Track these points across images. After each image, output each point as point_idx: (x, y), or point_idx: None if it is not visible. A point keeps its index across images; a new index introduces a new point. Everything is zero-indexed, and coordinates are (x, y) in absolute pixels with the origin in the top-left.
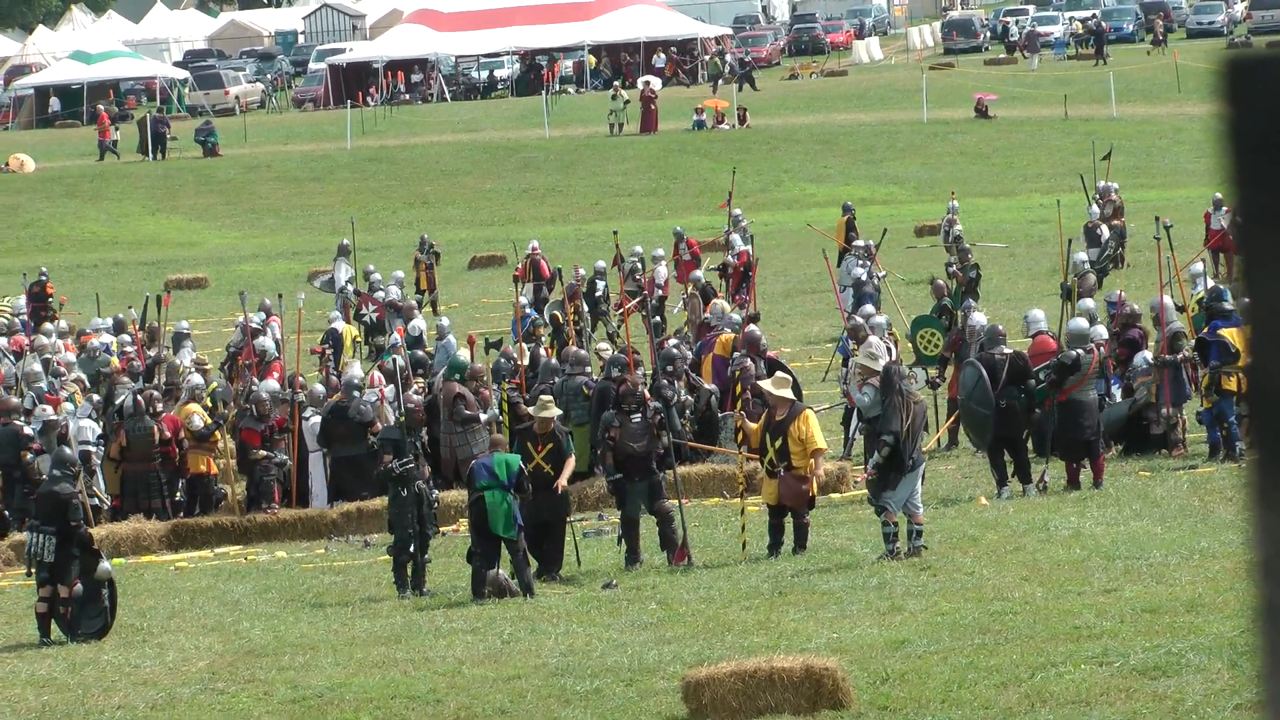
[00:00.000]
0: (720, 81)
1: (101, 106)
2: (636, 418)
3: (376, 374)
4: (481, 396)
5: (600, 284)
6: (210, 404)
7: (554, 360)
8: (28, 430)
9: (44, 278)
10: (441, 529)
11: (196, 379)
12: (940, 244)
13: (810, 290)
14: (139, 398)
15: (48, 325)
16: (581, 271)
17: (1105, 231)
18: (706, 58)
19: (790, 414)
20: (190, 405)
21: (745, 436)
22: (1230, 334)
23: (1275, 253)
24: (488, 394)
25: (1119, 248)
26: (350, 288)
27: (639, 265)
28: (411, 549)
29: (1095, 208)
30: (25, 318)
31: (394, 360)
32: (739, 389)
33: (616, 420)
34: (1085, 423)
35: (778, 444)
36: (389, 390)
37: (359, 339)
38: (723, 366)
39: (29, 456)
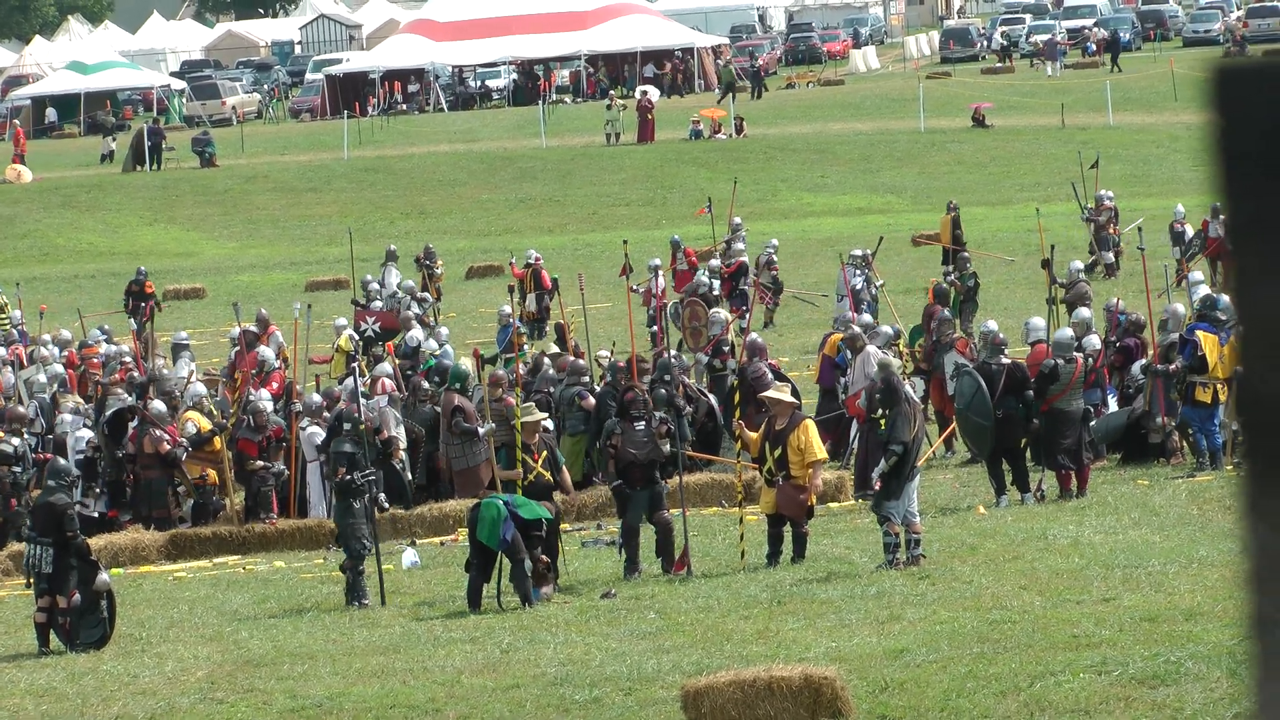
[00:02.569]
0: (725, 92)
1: (18, 123)
2: (640, 425)
3: (388, 382)
4: (506, 403)
5: (714, 283)
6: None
7: (552, 370)
8: (5, 448)
9: (142, 276)
10: (441, 539)
11: (199, 388)
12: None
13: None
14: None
15: (45, 335)
16: (713, 266)
17: (1189, 230)
18: (721, 64)
19: (790, 423)
20: (190, 413)
21: (745, 445)
22: (1205, 339)
23: (1264, 262)
24: (511, 400)
25: (1203, 247)
26: (400, 293)
27: (774, 257)
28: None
29: (1188, 216)
30: (22, 328)
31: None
32: (737, 396)
33: (619, 428)
34: (1067, 432)
35: (777, 453)
36: (382, 400)
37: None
38: (830, 368)
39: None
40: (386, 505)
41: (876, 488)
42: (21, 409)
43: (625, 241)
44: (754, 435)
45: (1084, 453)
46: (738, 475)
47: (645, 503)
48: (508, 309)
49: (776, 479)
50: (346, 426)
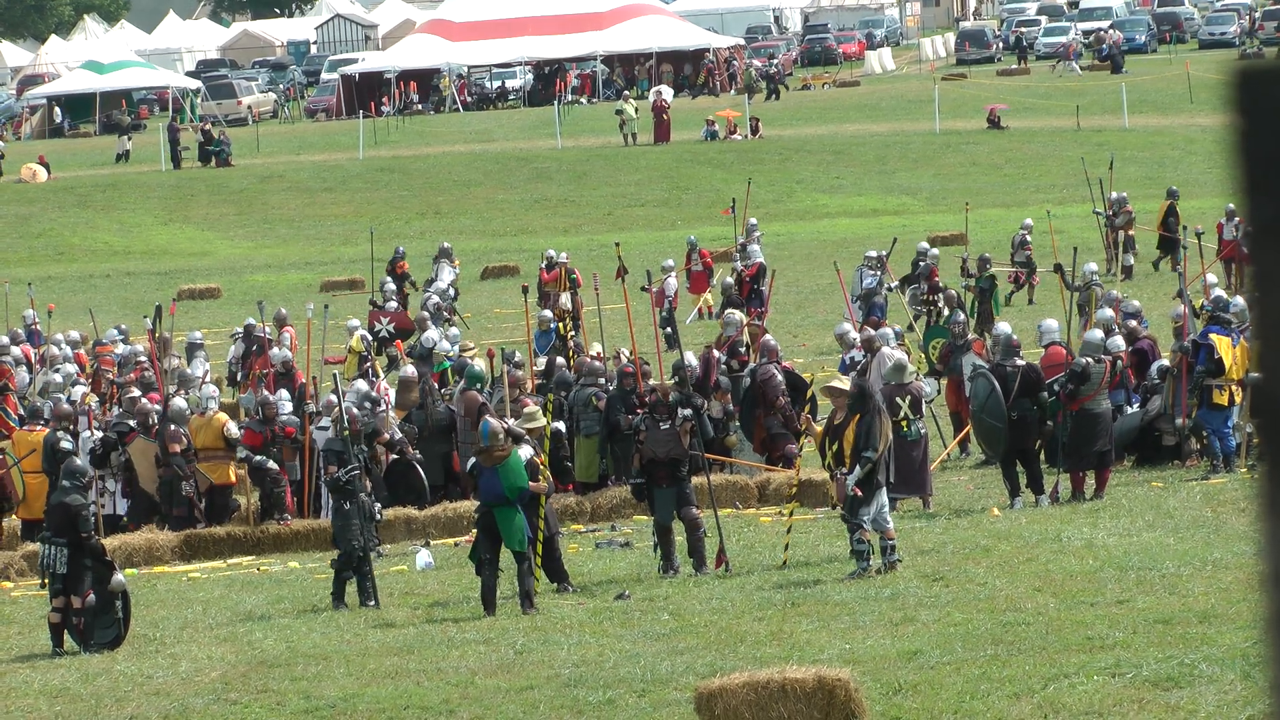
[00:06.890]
0: (751, 94)
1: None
2: (665, 425)
3: (384, 385)
4: (522, 404)
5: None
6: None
7: (569, 372)
8: (65, 444)
9: (399, 254)
10: (455, 540)
11: (211, 389)
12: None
13: (822, 299)
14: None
15: (57, 335)
16: (935, 251)
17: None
18: (740, 67)
19: (847, 418)
20: (220, 414)
21: (814, 440)
22: (1220, 342)
23: None
24: (527, 402)
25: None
26: (453, 291)
27: (1027, 238)
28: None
29: (1203, 219)
30: (35, 327)
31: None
32: (762, 396)
33: (644, 425)
34: (1098, 433)
35: (835, 448)
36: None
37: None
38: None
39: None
40: (380, 514)
41: (858, 494)
42: (68, 407)
43: (617, 244)
44: (819, 430)
45: (1111, 453)
46: (794, 479)
47: (672, 500)
48: (548, 313)
49: (836, 472)
50: (339, 426)
